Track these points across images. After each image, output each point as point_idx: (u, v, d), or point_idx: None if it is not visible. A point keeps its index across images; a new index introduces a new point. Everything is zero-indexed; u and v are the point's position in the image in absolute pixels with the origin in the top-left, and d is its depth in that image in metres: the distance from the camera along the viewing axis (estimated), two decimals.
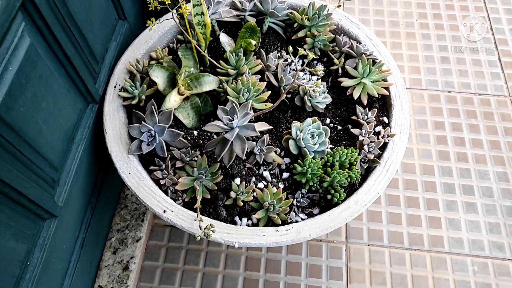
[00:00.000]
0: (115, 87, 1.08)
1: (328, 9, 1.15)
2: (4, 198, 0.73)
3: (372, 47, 1.13)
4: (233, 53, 1.09)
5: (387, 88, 1.06)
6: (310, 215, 0.95)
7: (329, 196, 0.94)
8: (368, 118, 1.02)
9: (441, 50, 1.61)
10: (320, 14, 1.13)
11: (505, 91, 1.51)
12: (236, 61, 1.08)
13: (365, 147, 0.98)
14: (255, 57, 1.10)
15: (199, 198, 0.93)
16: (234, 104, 0.92)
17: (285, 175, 1.00)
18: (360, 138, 0.99)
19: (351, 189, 0.97)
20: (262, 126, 0.98)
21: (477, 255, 1.21)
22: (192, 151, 1.00)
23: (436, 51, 1.61)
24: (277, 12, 1.16)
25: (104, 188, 1.16)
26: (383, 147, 1.00)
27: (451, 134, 1.42)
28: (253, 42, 1.07)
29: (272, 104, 1.05)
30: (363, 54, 1.07)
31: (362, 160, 0.98)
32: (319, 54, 1.15)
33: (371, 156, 0.97)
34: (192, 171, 0.96)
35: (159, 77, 1.05)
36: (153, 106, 0.97)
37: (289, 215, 0.94)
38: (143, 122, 0.96)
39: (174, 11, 0.91)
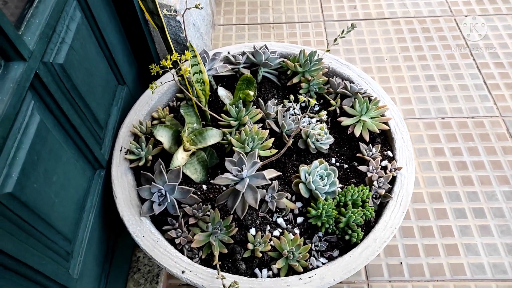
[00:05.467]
0: (120, 150, 1.09)
1: (318, 54, 1.20)
2: (21, 278, 0.72)
3: (365, 85, 1.17)
4: (233, 105, 1.12)
5: (386, 123, 1.09)
6: (331, 258, 0.94)
7: (347, 237, 0.93)
8: (373, 154, 1.04)
9: (427, 80, 1.67)
10: (311, 59, 1.18)
11: (496, 111, 1.56)
12: (237, 112, 1.10)
13: (375, 183, 0.98)
14: (254, 106, 1.13)
15: (216, 254, 0.92)
16: (241, 154, 0.93)
17: (299, 219, 1.00)
18: (369, 174, 1.00)
19: (367, 226, 0.97)
20: (270, 173, 0.99)
21: (501, 279, 1.18)
22: (204, 206, 0.99)
23: (423, 81, 1.67)
24: (270, 62, 1.21)
25: (116, 253, 1.13)
26: (392, 181, 1.01)
27: (452, 159, 1.44)
28: (251, 93, 1.11)
29: (277, 150, 1.06)
30: (358, 93, 1.11)
31: (374, 196, 0.99)
32: (315, 97, 1.19)
33: (382, 192, 0.97)
34: (207, 226, 0.95)
35: (163, 136, 1.06)
36: (161, 166, 0.98)
37: (309, 260, 0.92)
38: (152, 183, 0.96)
39: (174, 72, 0.94)
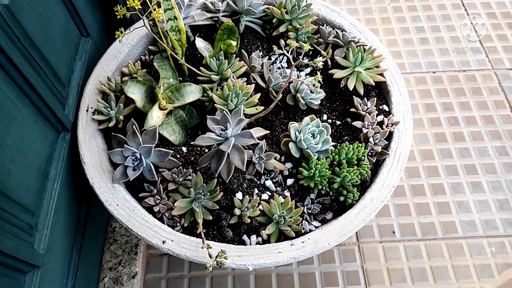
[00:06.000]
0: (87, 110, 0.97)
1: (306, 0, 1.08)
2: None
3: (359, 34, 1.07)
4: (213, 58, 1.00)
5: (381, 75, 1.00)
6: (324, 222, 0.87)
7: (341, 198, 0.86)
8: (368, 108, 0.95)
9: (418, 32, 1.58)
10: (299, 5, 1.06)
11: (488, 64, 1.49)
12: (218, 65, 0.99)
13: (371, 139, 0.91)
14: (237, 59, 1.01)
15: (200, 221, 0.83)
16: (224, 111, 0.83)
17: (290, 181, 0.92)
18: (364, 130, 0.92)
19: (363, 186, 0.90)
20: (257, 132, 0.89)
21: (492, 235, 1.16)
22: (184, 170, 0.90)
23: (413, 33, 1.58)
24: (254, 9, 1.08)
25: (89, 224, 1.04)
26: (389, 137, 0.93)
27: (444, 115, 1.39)
28: (234, 43, 0.99)
29: (264, 107, 0.97)
30: (352, 42, 1.01)
31: (369, 154, 0.92)
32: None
33: (379, 148, 0.90)
34: (188, 191, 0.86)
35: (136, 93, 0.94)
36: (134, 126, 0.87)
37: (301, 225, 0.85)
38: (125, 145, 0.85)
39: (145, 17, 0.81)
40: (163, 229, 0.83)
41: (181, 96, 0.97)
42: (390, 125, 0.93)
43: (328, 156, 0.90)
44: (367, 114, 0.94)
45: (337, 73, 1.00)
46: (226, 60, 0.98)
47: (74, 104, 0.99)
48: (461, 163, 1.29)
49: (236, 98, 0.93)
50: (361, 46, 1.01)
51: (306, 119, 0.92)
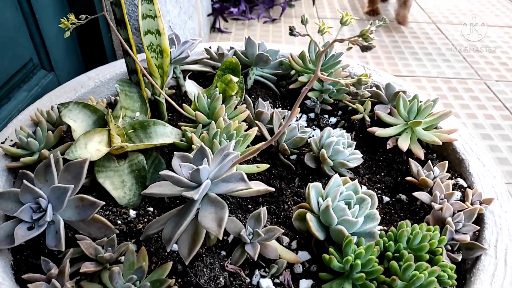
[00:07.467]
0: (3, 142, 0.64)
1: (336, 52, 0.84)
2: None
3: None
4: (205, 95, 0.71)
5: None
6: None
7: None
8: (436, 177, 0.59)
9: (484, 139, 1.30)
10: (326, 52, 0.81)
11: None
12: (209, 104, 0.69)
13: (449, 220, 0.52)
14: (238, 99, 0.72)
15: None
16: (201, 145, 0.49)
17: (305, 284, 0.50)
18: (435, 206, 0.54)
19: None
20: (256, 185, 0.53)
21: None
22: (123, 243, 0.51)
23: (498, 141, 1.29)
24: (268, 56, 0.83)
25: None
26: (477, 222, 0.55)
27: None
28: (235, 79, 0.71)
29: (269, 166, 0.62)
30: (401, 93, 0.72)
31: (448, 247, 0.52)
32: (331, 102, 0.79)
33: (466, 238, 0.51)
34: (111, 277, 0.45)
35: (78, 121, 0.62)
36: (52, 157, 0.52)
37: None
38: (25, 183, 0.49)
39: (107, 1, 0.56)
40: None
41: (147, 136, 0.65)
42: (478, 202, 0.55)
43: (377, 242, 0.51)
44: (439, 181, 0.57)
45: (381, 131, 0.68)
46: (220, 95, 0.68)
47: None
48: None
49: (227, 140, 0.60)
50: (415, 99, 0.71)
51: (336, 178, 0.56)
